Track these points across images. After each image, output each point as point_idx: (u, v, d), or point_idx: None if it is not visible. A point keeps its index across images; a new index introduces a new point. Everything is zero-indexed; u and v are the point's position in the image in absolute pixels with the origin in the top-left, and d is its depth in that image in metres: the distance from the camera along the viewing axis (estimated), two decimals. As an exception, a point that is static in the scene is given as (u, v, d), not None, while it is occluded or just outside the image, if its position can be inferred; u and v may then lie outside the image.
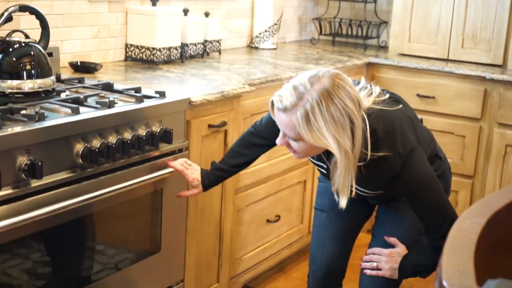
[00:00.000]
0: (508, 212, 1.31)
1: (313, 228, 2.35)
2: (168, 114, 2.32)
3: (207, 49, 3.48)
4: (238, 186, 2.89)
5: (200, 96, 2.46)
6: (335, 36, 4.52)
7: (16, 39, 2.12)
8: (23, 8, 2.13)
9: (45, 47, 2.19)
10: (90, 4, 2.97)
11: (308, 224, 3.49)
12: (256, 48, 4.00)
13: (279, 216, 3.24)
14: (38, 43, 2.17)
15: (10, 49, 2.08)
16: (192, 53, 3.35)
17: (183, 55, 3.27)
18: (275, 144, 2.10)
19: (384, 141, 1.88)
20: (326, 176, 2.09)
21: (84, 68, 2.80)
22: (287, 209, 3.32)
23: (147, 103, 2.25)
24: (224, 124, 2.63)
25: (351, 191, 1.89)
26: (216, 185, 2.31)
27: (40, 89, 2.12)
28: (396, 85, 3.82)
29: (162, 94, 2.34)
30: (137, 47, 3.15)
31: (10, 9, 2.09)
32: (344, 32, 4.58)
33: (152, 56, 3.11)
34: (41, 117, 1.90)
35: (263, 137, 2.21)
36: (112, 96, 2.26)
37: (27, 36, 2.17)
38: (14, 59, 2.08)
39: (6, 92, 2.06)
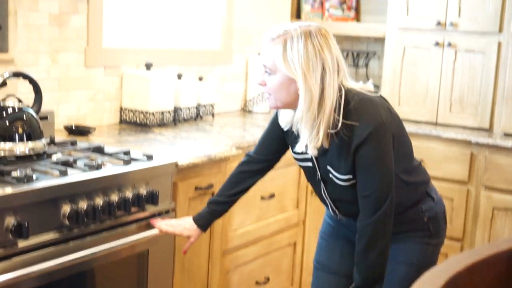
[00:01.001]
0: (468, 275, 1.37)
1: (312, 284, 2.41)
2: (155, 177, 2.39)
3: (201, 113, 3.58)
4: (227, 248, 2.94)
5: (187, 159, 2.54)
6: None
7: (9, 103, 2.21)
8: (17, 74, 2.23)
9: (37, 111, 2.29)
10: (86, 68, 3.08)
11: (298, 286, 3.52)
12: (250, 111, 4.10)
13: (268, 278, 3.27)
14: (31, 108, 2.26)
15: (4, 114, 2.18)
16: (185, 116, 3.44)
17: (176, 119, 3.36)
18: (270, 166, 2.32)
19: (356, 112, 1.96)
20: (312, 176, 2.14)
21: (78, 131, 2.89)
22: (276, 271, 3.36)
23: (134, 165, 2.32)
24: (211, 186, 2.70)
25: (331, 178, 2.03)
26: (214, 220, 2.35)
27: (32, 152, 2.20)
28: (385, 148, 3.90)
29: (149, 157, 2.42)
30: (131, 110, 3.25)
31: (5, 75, 2.19)
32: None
33: (145, 120, 3.20)
34: (30, 179, 1.97)
35: (258, 159, 2.31)
36: (101, 159, 2.34)
37: (20, 101, 2.26)
38: (7, 123, 2.17)
39: (-1, 155, 2.14)
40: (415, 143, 3.77)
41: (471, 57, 3.87)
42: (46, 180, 2.03)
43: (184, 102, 3.43)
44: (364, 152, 1.97)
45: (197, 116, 3.55)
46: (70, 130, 2.90)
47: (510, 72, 3.74)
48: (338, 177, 2.06)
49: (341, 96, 1.96)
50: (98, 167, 2.19)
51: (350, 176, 2.03)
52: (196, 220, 2.32)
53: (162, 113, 3.26)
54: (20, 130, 2.18)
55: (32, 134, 2.19)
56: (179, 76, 3.46)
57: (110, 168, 2.25)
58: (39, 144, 2.23)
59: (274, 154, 2.31)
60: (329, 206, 2.20)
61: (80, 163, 2.26)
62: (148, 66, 3.26)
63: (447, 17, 3.91)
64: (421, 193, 2.18)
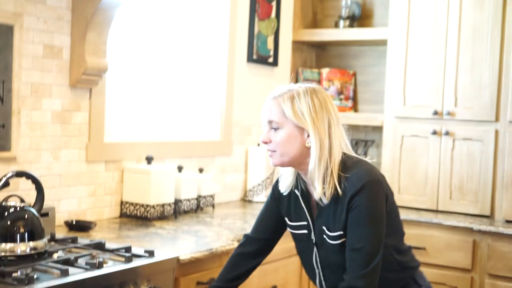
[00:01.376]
0: None
1: None
2: (156, 273, 2.38)
3: (201, 204, 3.58)
4: None
5: (188, 254, 2.53)
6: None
7: (11, 203, 2.23)
8: (20, 174, 2.26)
9: (39, 210, 2.29)
10: (88, 164, 3.11)
11: None
12: (250, 201, 4.11)
13: None
14: (32, 207, 2.27)
15: (5, 214, 2.19)
16: (185, 208, 3.45)
17: (177, 211, 3.37)
18: (269, 247, 2.35)
19: (352, 167, 2.06)
20: (306, 243, 2.17)
21: (79, 226, 2.89)
22: None
23: (136, 262, 2.31)
24: (213, 280, 2.66)
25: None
26: None
27: (33, 251, 2.20)
28: (387, 237, 3.89)
29: (151, 253, 2.41)
30: (131, 204, 3.25)
31: (8, 175, 2.22)
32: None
33: (146, 213, 3.21)
34: (31, 280, 1.96)
35: (257, 239, 2.33)
36: (102, 256, 2.33)
37: (22, 201, 2.27)
38: (8, 223, 2.18)
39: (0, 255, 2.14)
40: (417, 231, 3.79)
41: (469, 145, 3.91)
42: (47, 280, 2.01)
43: (184, 194, 3.44)
44: (359, 203, 2.01)
45: (198, 208, 3.56)
46: (71, 226, 2.90)
47: (508, 159, 3.77)
48: (330, 236, 2.08)
49: (339, 152, 2.08)
50: (99, 265, 2.18)
51: (341, 233, 2.05)
52: None
53: (163, 206, 3.27)
54: (22, 230, 2.18)
55: (34, 233, 2.19)
56: (180, 169, 3.48)
57: (112, 266, 2.24)
58: (40, 243, 2.23)
59: (272, 233, 2.34)
60: (318, 276, 2.21)
61: (81, 261, 2.25)
62: (149, 160, 3.29)
63: (443, 107, 3.98)
64: (409, 277, 2.18)
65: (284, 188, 2.22)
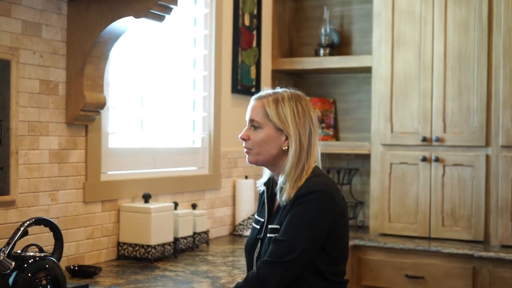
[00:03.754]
0: None
1: None
2: (183, 321, 2.24)
3: (196, 241, 3.45)
4: None
5: (212, 299, 2.40)
6: (313, 218, 4.56)
7: (30, 253, 2.06)
8: (39, 222, 2.10)
9: (59, 259, 2.13)
10: (85, 205, 2.95)
11: None
12: (240, 235, 3.99)
13: None
14: (52, 255, 2.11)
15: (25, 265, 2.02)
16: (183, 247, 3.31)
17: (176, 250, 3.22)
18: None
19: (316, 177, 2.13)
20: (254, 237, 2.22)
21: (82, 272, 2.72)
22: None
23: (163, 311, 2.17)
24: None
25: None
26: None
27: (55, 304, 2.03)
28: (383, 267, 3.84)
29: (177, 300, 2.27)
30: (130, 245, 3.09)
31: (27, 223, 2.06)
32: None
33: (146, 254, 3.05)
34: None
35: None
36: (126, 306, 2.18)
37: (41, 250, 2.11)
38: (29, 275, 2.01)
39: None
40: (414, 260, 3.74)
41: (460, 171, 3.91)
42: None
43: (182, 232, 3.30)
44: (301, 203, 2.06)
45: (193, 245, 3.42)
46: (73, 272, 2.72)
47: (502, 184, 3.77)
48: (270, 228, 2.14)
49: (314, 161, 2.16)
50: (131, 317, 2.04)
51: (278, 227, 2.10)
52: None
53: (164, 245, 3.12)
54: (44, 282, 2.01)
55: (60, 285, 2.03)
56: (176, 205, 3.35)
57: (141, 317, 2.09)
58: (63, 295, 2.07)
59: None
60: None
61: (107, 313, 2.10)
62: (147, 198, 3.15)
63: (432, 133, 3.97)
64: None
65: (259, 185, 2.31)
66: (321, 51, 4.56)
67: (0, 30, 2.54)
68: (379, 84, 4.15)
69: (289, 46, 4.83)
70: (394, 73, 4.08)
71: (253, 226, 2.30)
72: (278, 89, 2.20)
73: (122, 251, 3.12)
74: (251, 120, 2.18)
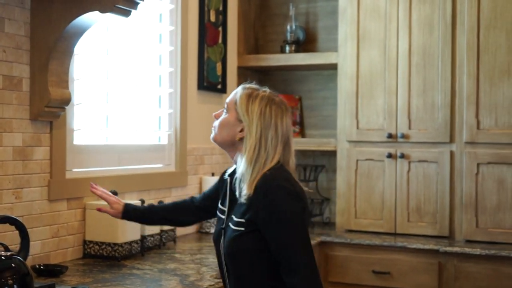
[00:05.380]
0: None
1: None
2: (153, 319, 2.21)
3: (163, 239, 3.42)
4: None
5: (182, 296, 2.38)
6: (279, 215, 4.55)
7: (-4, 252, 2.01)
8: (4, 219, 2.04)
9: (25, 258, 2.08)
10: (50, 203, 2.89)
11: None
12: (207, 233, 3.96)
13: None
14: (18, 254, 2.06)
15: (-9, 264, 1.97)
16: (150, 245, 3.27)
17: (143, 248, 3.19)
18: (200, 214, 2.62)
19: (272, 173, 2.14)
20: (219, 227, 2.28)
21: (48, 272, 2.67)
22: None
23: (132, 309, 2.14)
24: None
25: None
26: (136, 215, 2.66)
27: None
28: (350, 263, 3.85)
29: (146, 298, 2.24)
30: (96, 243, 3.05)
31: (-9, 222, 2.00)
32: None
33: (113, 252, 3.01)
34: None
35: (198, 202, 2.60)
36: (94, 305, 2.14)
37: (7, 249, 2.06)
38: (-5, 274, 1.96)
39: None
40: (381, 256, 3.77)
41: (425, 167, 3.94)
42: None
43: (149, 229, 3.26)
44: (265, 215, 2.08)
45: (160, 243, 3.38)
46: (39, 271, 2.67)
47: (466, 180, 3.82)
48: (235, 220, 2.17)
49: (277, 163, 2.16)
50: (100, 315, 2.00)
51: (243, 220, 2.13)
52: (127, 206, 2.65)
53: (131, 243, 3.08)
54: (10, 282, 1.96)
55: (27, 284, 1.98)
56: (142, 202, 3.30)
57: (110, 315, 2.06)
58: (30, 295, 2.02)
59: (206, 201, 2.57)
60: (223, 265, 2.25)
61: (75, 312, 2.06)
62: (115, 194, 3.09)
63: (397, 129, 4.00)
64: None
65: (227, 173, 2.36)
66: (287, 48, 4.56)
67: (-38, 24, 2.47)
68: (344, 81, 4.16)
69: (254, 42, 4.82)
70: (359, 70, 4.10)
71: (218, 216, 2.35)
72: (261, 88, 2.27)
73: (88, 250, 3.07)
74: (226, 103, 2.28)
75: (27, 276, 2.02)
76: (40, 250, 2.84)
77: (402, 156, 3.98)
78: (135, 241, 3.12)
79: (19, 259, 2.04)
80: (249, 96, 2.20)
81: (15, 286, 1.97)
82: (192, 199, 2.65)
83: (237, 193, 2.18)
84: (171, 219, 2.69)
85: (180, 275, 2.74)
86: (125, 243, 3.04)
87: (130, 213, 2.65)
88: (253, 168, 2.13)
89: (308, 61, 4.42)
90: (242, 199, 2.14)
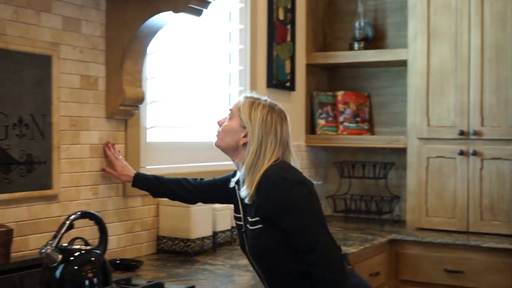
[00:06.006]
0: None
1: None
2: (227, 314, 2.24)
3: (234, 235, 3.45)
4: None
5: (255, 292, 2.40)
6: (348, 213, 4.54)
7: (77, 247, 2.07)
8: (85, 215, 2.12)
9: (103, 252, 2.14)
10: (125, 199, 2.97)
11: None
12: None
13: None
14: (97, 249, 2.12)
15: (72, 258, 2.03)
16: (221, 241, 3.31)
17: (215, 244, 3.23)
18: (196, 198, 2.76)
19: (274, 166, 2.25)
20: (240, 231, 2.38)
21: (124, 266, 2.74)
22: None
23: (207, 304, 2.18)
24: None
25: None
26: (144, 184, 2.77)
27: (101, 297, 2.04)
28: (421, 261, 3.81)
29: (220, 293, 2.28)
30: (170, 239, 3.11)
31: (72, 217, 2.07)
32: (353, 207, 4.59)
33: (186, 248, 3.07)
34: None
35: (198, 188, 2.72)
36: (169, 299, 2.19)
37: (87, 243, 2.12)
38: (76, 267, 2.02)
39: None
40: (453, 255, 3.71)
41: (498, 165, 3.86)
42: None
43: (220, 225, 3.30)
44: (276, 203, 2.18)
45: (232, 239, 3.42)
46: (116, 265, 2.74)
47: (542, 177, 3.72)
48: (250, 221, 2.25)
49: (276, 160, 2.26)
50: (176, 309, 2.04)
51: (258, 218, 2.21)
52: (138, 174, 2.80)
53: (203, 239, 3.13)
54: (90, 275, 2.03)
55: (107, 278, 2.04)
56: (213, 200, 3.35)
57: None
58: (109, 288, 2.08)
59: (211, 186, 2.70)
60: (254, 267, 2.36)
61: (152, 306, 2.10)
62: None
63: (469, 126, 3.93)
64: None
65: (233, 181, 2.43)
66: (356, 45, 4.53)
67: (41, 26, 2.56)
68: (415, 77, 4.11)
69: (323, 40, 4.81)
70: (430, 67, 4.05)
71: (236, 224, 2.44)
72: (261, 96, 2.38)
73: (162, 245, 3.13)
74: (230, 110, 2.39)
75: (106, 270, 2.08)
76: (116, 245, 2.91)
77: (475, 153, 3.90)
78: (207, 237, 3.17)
79: (98, 253, 2.10)
80: (252, 104, 2.32)
81: (95, 279, 2.03)
82: (200, 180, 2.77)
83: (242, 196, 2.28)
84: (176, 194, 2.76)
85: (252, 271, 2.75)
86: (198, 239, 3.09)
87: (139, 181, 2.78)
88: (253, 169, 2.23)
89: (377, 58, 4.38)
90: (247, 200, 2.25)
